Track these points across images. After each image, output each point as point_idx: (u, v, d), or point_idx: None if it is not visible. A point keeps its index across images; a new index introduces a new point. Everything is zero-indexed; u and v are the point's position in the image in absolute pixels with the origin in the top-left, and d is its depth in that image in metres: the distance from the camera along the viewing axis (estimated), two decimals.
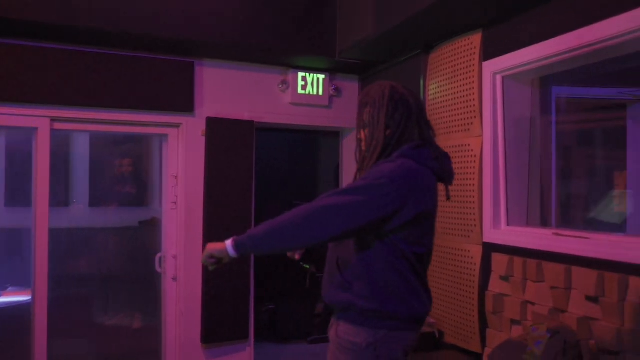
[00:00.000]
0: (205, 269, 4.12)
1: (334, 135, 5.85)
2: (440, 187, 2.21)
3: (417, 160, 2.07)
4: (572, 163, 4.39)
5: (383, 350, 2.04)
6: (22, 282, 5.36)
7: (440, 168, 2.14)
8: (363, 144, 2.20)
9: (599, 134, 4.81)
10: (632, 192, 4.70)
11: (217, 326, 4.15)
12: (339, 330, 2.12)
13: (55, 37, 3.71)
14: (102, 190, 5.98)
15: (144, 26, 3.68)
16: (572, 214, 4.20)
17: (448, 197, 2.26)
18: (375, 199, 1.95)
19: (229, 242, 2.05)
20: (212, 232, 4.11)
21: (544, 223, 3.39)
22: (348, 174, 4.91)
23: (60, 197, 5.77)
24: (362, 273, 2.07)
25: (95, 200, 5.94)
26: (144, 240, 5.55)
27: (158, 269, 4.28)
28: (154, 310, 4.50)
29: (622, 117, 4.78)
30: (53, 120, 3.82)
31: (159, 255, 4.29)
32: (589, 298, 2.58)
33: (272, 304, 5.88)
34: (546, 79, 3.46)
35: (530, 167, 3.38)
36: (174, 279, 4.19)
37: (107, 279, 5.38)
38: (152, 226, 5.62)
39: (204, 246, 4.06)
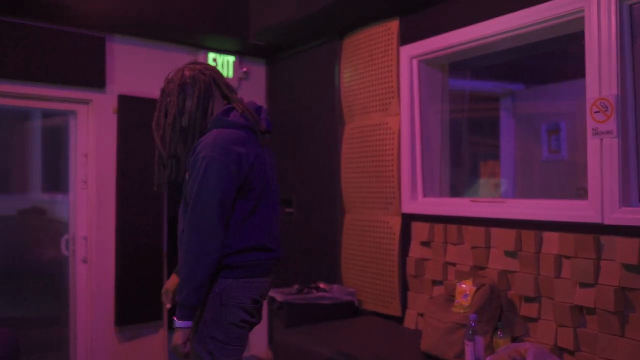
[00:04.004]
0: (117, 249, 4.04)
1: None
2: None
3: (226, 125, 2.25)
4: (457, 148, 4.83)
5: (228, 298, 2.21)
6: None
7: (248, 122, 2.29)
8: (169, 129, 2.32)
9: (479, 123, 5.32)
10: (504, 179, 5.26)
11: (131, 307, 4.07)
12: None
13: None
14: None
15: None
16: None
17: (261, 147, 2.37)
18: (216, 190, 2.13)
19: (179, 323, 2.14)
20: (125, 212, 4.04)
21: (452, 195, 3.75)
22: None
23: None
24: None
25: None
26: (27, 229, 5.24)
27: (64, 252, 4.11)
28: (58, 298, 4.29)
29: (496, 108, 5.34)
30: None
31: (65, 237, 4.11)
32: (507, 253, 2.93)
33: None
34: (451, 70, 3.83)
35: (442, 144, 3.72)
36: (85, 261, 4.04)
37: None
38: (35, 214, 5.32)
39: (117, 226, 4.01)
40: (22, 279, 5.00)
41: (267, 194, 2.31)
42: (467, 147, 5.08)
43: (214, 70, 2.42)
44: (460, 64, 3.88)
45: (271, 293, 3.76)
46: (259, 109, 2.41)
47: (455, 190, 4.36)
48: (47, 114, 4.75)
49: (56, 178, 5.52)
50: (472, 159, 5.25)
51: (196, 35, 4.25)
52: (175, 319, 2.15)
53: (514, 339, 2.84)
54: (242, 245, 2.23)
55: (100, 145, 4.06)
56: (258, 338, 4.88)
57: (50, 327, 4.41)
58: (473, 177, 5.20)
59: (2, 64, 3.65)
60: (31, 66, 3.75)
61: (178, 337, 2.15)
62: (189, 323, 2.15)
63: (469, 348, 2.64)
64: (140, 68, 4.22)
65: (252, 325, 2.32)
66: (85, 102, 4.05)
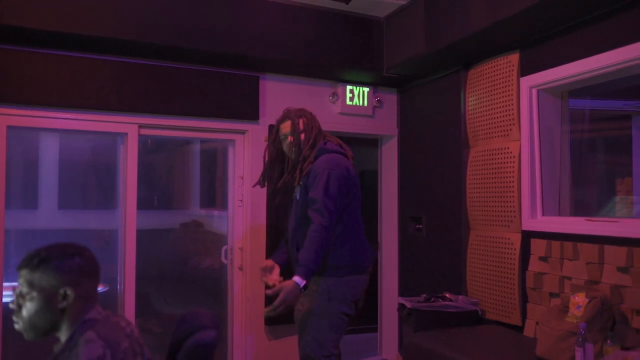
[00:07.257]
0: (267, 258, 4.66)
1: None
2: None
3: (331, 151, 3.15)
4: (583, 167, 4.96)
5: (334, 293, 2.96)
6: None
7: (343, 150, 3.23)
8: (301, 144, 3.18)
9: (606, 142, 5.38)
10: (638, 197, 5.28)
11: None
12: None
13: (142, 53, 4.26)
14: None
15: (218, 44, 4.26)
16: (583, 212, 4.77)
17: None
18: (335, 192, 2.96)
19: (298, 280, 2.86)
20: (274, 228, 4.65)
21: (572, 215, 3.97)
22: (386, 176, 5.47)
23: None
24: None
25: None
26: (188, 240, 6.09)
27: (224, 260, 4.81)
28: (215, 300, 5.01)
29: (627, 127, 5.38)
30: (140, 126, 4.37)
31: (224, 247, 4.82)
32: (619, 269, 3.15)
33: None
34: (571, 92, 4.06)
35: (561, 167, 3.97)
36: (240, 268, 4.72)
37: (159, 277, 5.86)
38: (195, 227, 6.19)
39: (267, 239, 4.64)
40: (185, 282, 5.85)
41: (359, 204, 3.10)
42: (596, 166, 5.19)
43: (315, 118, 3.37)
44: (583, 88, 4.09)
45: (401, 300, 4.19)
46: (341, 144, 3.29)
47: (585, 208, 4.53)
48: (203, 140, 5.55)
49: (212, 196, 6.37)
50: (605, 178, 5.33)
51: (337, 71, 4.84)
52: (299, 278, 2.82)
53: (625, 349, 3.05)
54: (345, 246, 2.99)
55: (253, 169, 4.72)
56: (389, 343, 5.32)
57: None
58: (606, 195, 5.28)
59: (179, 103, 4.43)
60: (200, 104, 4.51)
61: (294, 294, 2.84)
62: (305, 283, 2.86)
63: (578, 354, 2.90)
64: (286, 100, 4.84)
65: (349, 317, 3.01)
66: (242, 132, 4.76)
